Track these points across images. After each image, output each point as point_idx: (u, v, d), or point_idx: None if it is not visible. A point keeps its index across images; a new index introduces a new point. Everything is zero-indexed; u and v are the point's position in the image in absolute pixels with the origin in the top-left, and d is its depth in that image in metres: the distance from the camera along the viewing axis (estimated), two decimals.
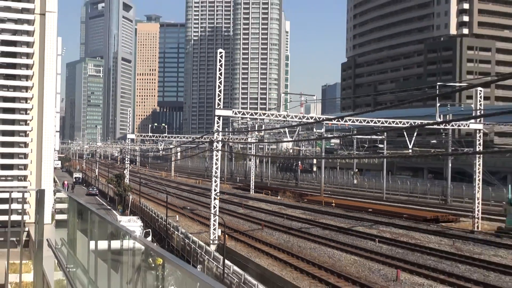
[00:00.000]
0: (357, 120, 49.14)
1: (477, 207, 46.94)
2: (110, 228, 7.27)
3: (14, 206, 10.87)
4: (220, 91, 39.33)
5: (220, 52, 39.41)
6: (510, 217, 44.14)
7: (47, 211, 12.64)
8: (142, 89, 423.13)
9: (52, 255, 9.84)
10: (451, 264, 33.39)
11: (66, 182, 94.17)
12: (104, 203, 78.30)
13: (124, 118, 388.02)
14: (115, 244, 7.12)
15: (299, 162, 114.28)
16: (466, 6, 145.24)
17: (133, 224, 42.44)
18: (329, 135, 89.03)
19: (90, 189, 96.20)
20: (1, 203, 12.42)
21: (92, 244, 7.79)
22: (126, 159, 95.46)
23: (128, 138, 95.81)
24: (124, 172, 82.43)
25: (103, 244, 7.25)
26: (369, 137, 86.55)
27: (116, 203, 72.71)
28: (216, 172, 40.64)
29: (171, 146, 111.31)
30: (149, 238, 41.27)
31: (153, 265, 6.19)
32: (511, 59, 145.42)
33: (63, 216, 12.47)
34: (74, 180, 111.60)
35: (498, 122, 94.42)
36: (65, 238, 10.21)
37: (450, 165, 75.70)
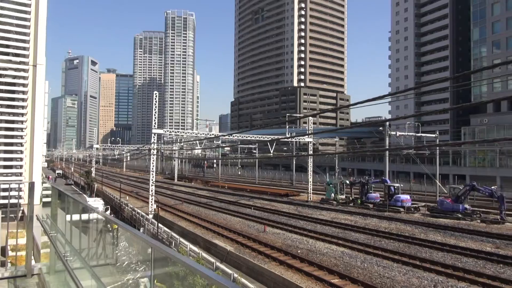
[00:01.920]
0: (240, 136, 49.69)
1: (310, 187, 48.36)
2: (81, 206, 6.99)
3: (13, 193, 10.14)
4: (155, 117, 38.21)
5: (155, 94, 38.37)
6: (328, 192, 45.73)
7: (36, 196, 11.75)
8: (104, 115, 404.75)
9: (40, 226, 9.49)
10: (295, 220, 34.37)
11: (50, 176, 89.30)
12: (78, 190, 73.15)
13: (91, 134, 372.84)
14: (85, 216, 6.84)
15: (205, 162, 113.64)
16: (302, 69, 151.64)
17: (97, 203, 40.31)
18: (223, 145, 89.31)
19: (67, 180, 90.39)
20: (3, 191, 11.67)
21: (68, 217, 7.43)
22: (93, 161, 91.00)
23: (94, 147, 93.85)
24: (91, 169, 79.13)
25: (76, 217, 6.91)
26: (247, 145, 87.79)
27: (86, 190, 68.47)
28: (152, 168, 39.33)
29: (123, 152, 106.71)
30: (108, 212, 39.12)
31: (110, 229, 5.92)
32: (327, 101, 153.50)
33: (48, 199, 11.79)
34: (56, 175, 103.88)
35: (321, 137, 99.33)
36: (49, 214, 9.65)
37: (294, 162, 78.46)
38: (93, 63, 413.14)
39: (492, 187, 34.21)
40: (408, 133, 53.19)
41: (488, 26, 73.94)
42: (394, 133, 46.82)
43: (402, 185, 43.42)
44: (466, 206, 33.69)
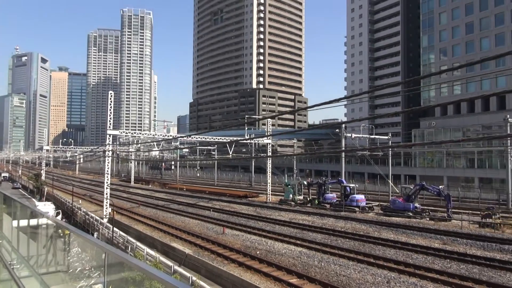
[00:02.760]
0: (199, 137, 49.22)
1: (269, 188, 48.49)
2: (29, 211, 6.61)
3: None
4: (110, 118, 37.00)
5: (111, 93, 37.12)
6: (286, 193, 45.91)
7: None
8: (55, 115, 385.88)
9: None
10: (255, 221, 34.48)
11: None
12: (26, 194, 69.32)
13: (41, 135, 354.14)
14: (33, 221, 6.49)
15: (163, 163, 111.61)
16: (261, 72, 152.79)
17: (47, 207, 38.33)
18: (181, 146, 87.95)
19: (15, 184, 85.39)
20: None
21: (15, 222, 6.99)
22: (43, 163, 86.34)
23: (44, 149, 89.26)
24: (41, 172, 75.11)
25: (23, 222, 6.53)
26: (206, 147, 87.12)
27: (35, 193, 64.97)
28: (107, 171, 38.04)
29: (76, 154, 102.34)
30: (59, 217, 37.35)
31: (61, 234, 5.68)
32: (285, 103, 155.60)
33: None
34: (2, 178, 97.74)
35: (279, 138, 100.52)
36: None
37: (253, 164, 78.78)
38: (43, 60, 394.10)
39: (440, 187, 36.11)
40: (363, 135, 55.06)
41: (436, 34, 78.14)
42: (350, 135, 48.29)
43: (357, 186, 44.76)
44: (417, 205, 35.33)
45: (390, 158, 50.71)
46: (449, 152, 64.88)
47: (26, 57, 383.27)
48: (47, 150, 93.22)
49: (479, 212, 32.25)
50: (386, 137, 53.13)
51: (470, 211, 33.80)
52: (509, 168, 40.89)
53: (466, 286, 16.76)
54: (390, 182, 46.76)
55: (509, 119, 39.06)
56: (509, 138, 41.32)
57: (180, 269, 19.27)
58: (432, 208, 37.66)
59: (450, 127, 70.99)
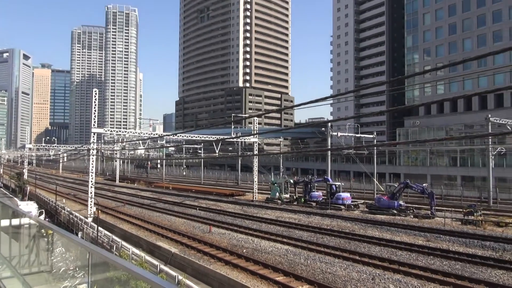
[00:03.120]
0: (185, 135, 48.94)
1: (255, 186, 48.59)
2: (11, 210, 6.46)
3: None
4: (95, 116, 36.47)
5: (95, 91, 36.57)
6: (272, 192, 45.92)
7: None
8: (38, 113, 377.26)
9: None
10: (241, 220, 34.43)
11: None
12: (8, 193, 67.89)
13: (23, 133, 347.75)
14: (15, 221, 6.35)
15: (149, 162, 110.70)
16: (247, 70, 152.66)
17: (30, 207, 37.49)
18: (167, 145, 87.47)
19: None
20: None
21: None
22: (25, 161, 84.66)
23: (27, 147, 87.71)
24: (24, 170, 73.62)
25: (5, 222, 6.38)
26: (193, 145, 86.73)
27: (17, 193, 63.66)
28: (92, 169, 37.54)
29: (59, 153, 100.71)
30: (42, 216, 36.71)
31: (44, 234, 5.59)
32: (272, 102, 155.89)
33: None
34: None
35: (266, 137, 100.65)
36: None
37: (240, 162, 78.77)
38: (26, 57, 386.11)
39: (424, 185, 36.70)
40: (349, 134, 55.56)
41: (420, 34, 79.28)
42: (336, 133, 48.65)
43: (343, 184, 45.12)
44: (401, 202, 35.83)
45: (375, 156, 51.28)
46: (432, 150, 65.95)
47: (7, 54, 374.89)
48: (30, 149, 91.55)
49: (461, 210, 32.86)
50: (371, 136, 53.69)
51: (453, 209, 34.44)
52: (490, 167, 41.78)
53: (449, 282, 17.06)
54: (375, 180, 47.30)
55: (490, 119, 39.89)
56: (490, 137, 42.22)
57: (166, 268, 19.14)
58: (416, 205, 38.22)
59: (433, 126, 72.16)
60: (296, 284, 17.86)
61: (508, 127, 42.16)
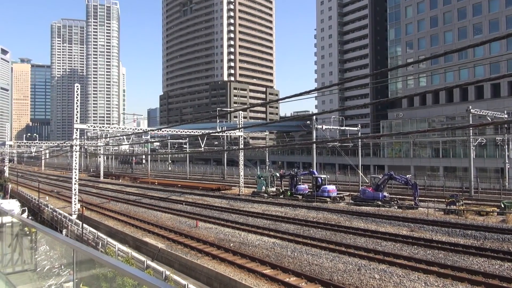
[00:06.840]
0: (170, 130, 48.58)
1: (241, 180, 48.54)
2: None
3: None
4: (77, 111, 35.83)
5: (77, 86, 35.89)
6: (259, 185, 45.93)
7: None
8: (18, 109, 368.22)
9: None
10: (228, 214, 34.48)
11: None
12: None
13: (3, 130, 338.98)
14: None
15: (133, 158, 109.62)
16: (232, 64, 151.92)
17: (12, 205, 36.78)
18: (152, 140, 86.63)
19: None
20: None
21: None
22: (6, 159, 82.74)
23: (7, 144, 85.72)
24: (4, 168, 72.06)
25: None
26: (178, 140, 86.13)
27: None
28: (75, 166, 36.97)
29: (41, 149, 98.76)
30: (25, 214, 36.06)
31: (27, 232, 5.50)
32: (257, 96, 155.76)
33: None
34: None
35: (251, 131, 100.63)
36: None
37: (226, 156, 78.64)
38: (4, 51, 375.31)
39: (407, 176, 37.28)
40: (333, 127, 55.94)
41: (402, 27, 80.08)
42: (321, 126, 48.96)
43: (328, 176, 45.53)
44: (385, 194, 36.36)
45: (360, 149, 51.82)
46: (415, 142, 67.01)
47: None
48: (11, 146, 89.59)
49: (444, 200, 33.54)
50: (356, 129, 54.21)
51: (435, 199, 35.14)
52: (472, 157, 42.69)
53: (432, 270, 17.44)
54: (360, 172, 47.85)
55: (471, 110, 40.69)
56: (471, 128, 43.08)
57: (153, 264, 19.06)
58: (400, 196, 38.86)
59: (416, 118, 73.25)
60: (284, 276, 18.01)
61: (488, 118, 43.10)
